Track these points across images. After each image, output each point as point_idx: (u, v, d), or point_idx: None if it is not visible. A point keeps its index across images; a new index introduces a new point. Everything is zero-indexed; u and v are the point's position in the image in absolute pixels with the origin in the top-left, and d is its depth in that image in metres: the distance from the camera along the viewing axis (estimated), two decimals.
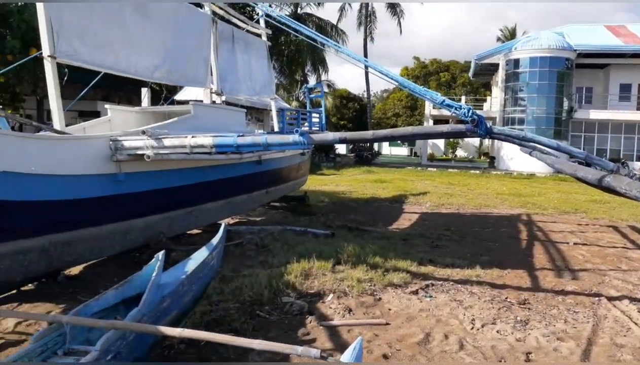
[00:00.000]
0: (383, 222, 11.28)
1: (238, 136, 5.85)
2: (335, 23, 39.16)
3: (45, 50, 5.80)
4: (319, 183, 19.77)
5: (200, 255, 4.69)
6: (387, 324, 4.73)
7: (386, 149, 52.71)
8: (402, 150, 53.15)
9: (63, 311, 4.77)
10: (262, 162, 9.78)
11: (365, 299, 5.32)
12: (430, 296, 5.54)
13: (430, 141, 43.94)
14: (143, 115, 8.84)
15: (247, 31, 12.80)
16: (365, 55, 40.65)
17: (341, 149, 39.68)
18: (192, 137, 5.97)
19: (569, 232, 10.45)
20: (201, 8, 10.82)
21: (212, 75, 10.23)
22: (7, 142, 4.74)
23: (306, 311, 4.91)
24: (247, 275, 5.85)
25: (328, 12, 51.84)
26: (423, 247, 8.48)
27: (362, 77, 42.38)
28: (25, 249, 5.10)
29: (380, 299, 5.38)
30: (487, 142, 42.83)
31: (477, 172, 29.35)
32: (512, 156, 29.65)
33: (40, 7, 5.81)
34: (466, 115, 4.99)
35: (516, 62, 34.38)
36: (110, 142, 5.98)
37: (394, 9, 40.96)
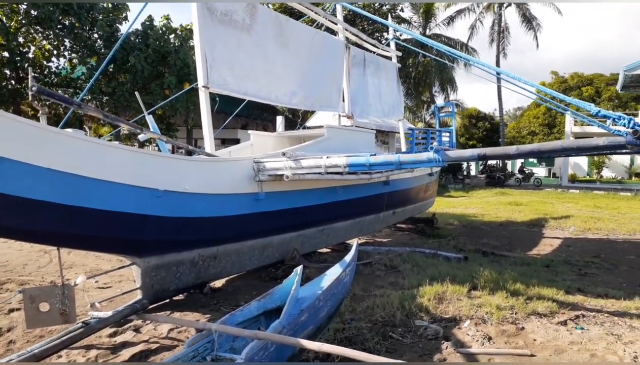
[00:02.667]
0: (520, 248, 10.56)
1: (370, 155, 5.92)
2: (465, 42, 38.15)
3: (200, 82, 6.44)
4: (446, 205, 19.15)
5: (334, 272, 4.78)
6: (533, 355, 4.36)
7: None
8: (539, 171, 49.17)
9: (209, 320, 5.14)
10: (389, 182, 9.78)
11: (507, 327, 4.97)
12: (582, 328, 5.01)
13: (571, 161, 40.39)
14: (280, 140, 9.37)
15: (378, 54, 13.02)
16: (498, 73, 38.69)
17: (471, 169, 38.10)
18: (327, 157, 6.17)
19: None
20: (335, 35, 11.29)
21: (343, 99, 10.55)
22: (167, 164, 5.30)
23: (441, 336, 4.72)
24: (378, 295, 5.82)
25: (457, 32, 50.82)
26: (569, 275, 7.76)
27: (492, 95, 40.61)
28: (178, 261, 5.65)
29: (523, 328, 4.99)
30: (639, 160, 38.19)
31: (629, 194, 26.18)
32: None
33: (197, 43, 6.49)
34: (627, 126, 4.51)
35: None
36: (254, 164, 6.42)
37: (529, 23, 38.80)
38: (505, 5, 38.85)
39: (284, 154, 6.31)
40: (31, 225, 4.20)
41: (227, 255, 6.28)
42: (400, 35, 34.61)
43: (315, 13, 10.10)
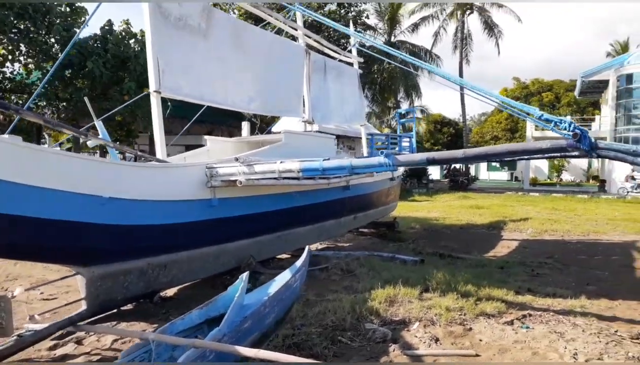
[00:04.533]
0: (478, 250, 10.74)
1: (324, 160, 5.93)
2: (429, 48, 38.80)
3: (152, 86, 6.34)
4: (410, 209, 19.37)
5: (283, 278, 4.76)
6: (477, 355, 4.43)
7: (484, 173, 50.50)
8: (502, 175, 50.59)
9: (155, 330, 5.03)
10: (349, 187, 9.82)
11: (454, 328, 5.04)
12: (527, 327, 5.12)
13: (532, 164, 41.53)
14: (239, 145, 9.28)
15: (340, 61, 13.10)
16: (454, 81, 39.50)
17: (434, 174, 38.72)
18: (281, 162, 6.14)
19: None
20: (295, 40, 11.30)
21: (304, 104, 10.56)
22: (111, 170, 5.19)
23: (390, 339, 4.74)
24: (331, 300, 5.80)
25: (422, 39, 51.57)
26: (522, 275, 7.93)
27: (457, 101, 41.49)
28: (126, 271, 5.50)
29: (470, 329, 5.06)
30: (596, 164, 39.57)
31: (585, 196, 27.09)
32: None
33: (149, 48, 6.39)
34: (568, 129, 4.67)
35: (629, 77, 31.59)
36: (206, 169, 6.33)
37: (491, 30, 39.79)
38: (467, 12, 39.73)
39: (236, 159, 6.26)
40: None
41: (178, 263, 6.15)
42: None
43: (275, 19, 10.09)
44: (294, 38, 11.48)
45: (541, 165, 46.97)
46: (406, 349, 4.54)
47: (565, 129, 4.70)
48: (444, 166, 36.62)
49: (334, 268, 7.64)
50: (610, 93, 33.82)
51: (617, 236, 13.08)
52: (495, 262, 9.03)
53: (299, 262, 5.03)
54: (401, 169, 14.96)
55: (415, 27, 39.49)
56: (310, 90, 10.77)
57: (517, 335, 4.88)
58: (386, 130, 41.49)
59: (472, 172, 44.29)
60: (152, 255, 5.77)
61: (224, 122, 27.78)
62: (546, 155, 5.90)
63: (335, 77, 12.23)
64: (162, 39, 6.48)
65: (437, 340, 4.74)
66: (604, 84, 35.31)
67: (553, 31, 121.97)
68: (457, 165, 34.08)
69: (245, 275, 4.25)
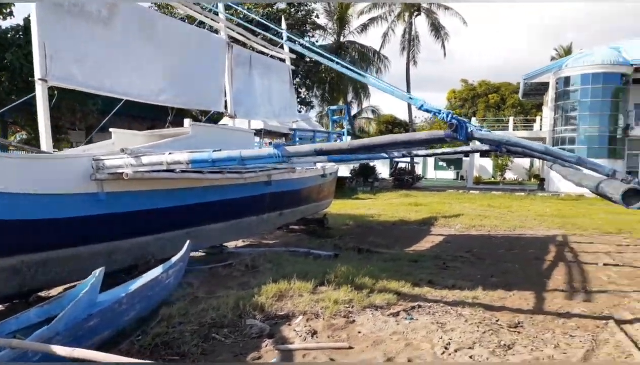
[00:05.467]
0: (402, 245, 10.76)
1: (213, 151, 5.71)
2: (377, 49, 39.15)
3: (37, 74, 5.96)
4: (351, 207, 19.37)
5: (151, 274, 4.51)
6: (350, 347, 4.32)
7: (431, 172, 51.32)
8: (449, 174, 51.56)
9: None
10: (271, 183, 9.62)
11: (337, 321, 4.92)
12: (411, 318, 5.06)
13: (477, 163, 42.58)
14: (148, 138, 8.88)
15: (272, 56, 12.89)
16: (408, 80, 40.36)
17: (384, 173, 39.06)
18: (169, 154, 5.88)
19: (603, 253, 9.57)
20: (217, 33, 11.01)
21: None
22: None
23: (266, 334, 4.57)
24: (219, 296, 5.59)
25: (371, 39, 52.02)
26: (431, 268, 7.93)
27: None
28: None
29: (354, 321, 4.96)
30: (537, 163, 40.94)
31: (523, 194, 27.95)
32: (561, 177, 28.13)
33: (34, 33, 6.00)
34: (445, 119, 4.66)
35: (567, 80, 32.91)
36: (92, 161, 5.99)
37: (438, 32, 40.48)
38: (415, 14, 40.31)
39: (122, 151, 5.94)
40: None
41: (61, 261, 5.75)
42: (317, 40, 35.14)
43: (195, 11, 9.80)
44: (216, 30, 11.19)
45: (486, 165, 48.25)
46: (280, 343, 4.39)
47: (443, 119, 4.68)
48: (392, 164, 36.94)
49: (238, 265, 7.42)
50: (550, 95, 35.13)
51: (541, 231, 13.45)
52: (411, 256, 9.03)
53: (175, 258, 4.81)
54: (335, 166, 14.81)
55: (364, 27, 39.75)
56: (233, 84, 10.54)
57: (398, 327, 4.81)
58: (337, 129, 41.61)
59: (420, 171, 45.03)
60: (26, 252, 5.38)
61: (166, 118, 27.07)
62: (423, 145, 5.90)
63: (263, 72, 12.01)
64: (51, 25, 6.11)
65: (314, 333, 4.61)
66: (545, 86, 36.65)
67: (502, 35, 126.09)
68: (403, 164, 34.51)
69: (98, 271, 3.99)
